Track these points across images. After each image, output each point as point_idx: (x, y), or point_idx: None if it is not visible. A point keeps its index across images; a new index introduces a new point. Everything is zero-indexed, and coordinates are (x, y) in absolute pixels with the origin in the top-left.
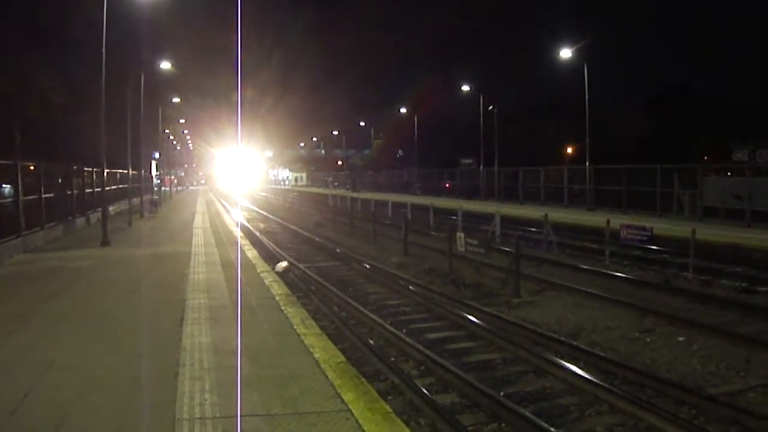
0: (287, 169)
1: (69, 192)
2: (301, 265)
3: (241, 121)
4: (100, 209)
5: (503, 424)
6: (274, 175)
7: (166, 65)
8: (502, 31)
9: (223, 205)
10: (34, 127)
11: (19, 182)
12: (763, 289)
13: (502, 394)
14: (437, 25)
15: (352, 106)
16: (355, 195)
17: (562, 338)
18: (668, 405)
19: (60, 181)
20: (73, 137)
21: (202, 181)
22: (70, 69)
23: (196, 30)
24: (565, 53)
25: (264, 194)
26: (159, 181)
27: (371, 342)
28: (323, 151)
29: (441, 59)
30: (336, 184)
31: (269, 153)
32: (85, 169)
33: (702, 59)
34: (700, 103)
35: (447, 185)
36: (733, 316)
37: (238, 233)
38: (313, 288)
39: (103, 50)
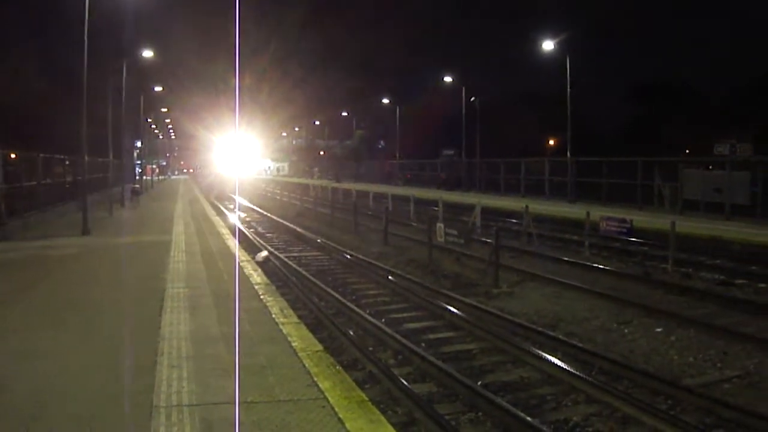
0: (269, 159)
1: (50, 180)
2: (281, 255)
3: (226, 112)
4: (80, 198)
5: (480, 414)
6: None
7: (148, 53)
8: (483, 22)
9: (205, 195)
10: (13, 114)
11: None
12: (740, 281)
13: (479, 383)
14: (419, 17)
15: (335, 96)
16: (337, 185)
17: (541, 329)
18: (644, 395)
19: (40, 169)
20: (54, 125)
21: (185, 171)
22: (53, 54)
23: (182, 17)
24: (548, 45)
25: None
26: (140, 170)
27: (350, 331)
28: (303, 141)
29: (423, 51)
30: (319, 174)
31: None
32: (66, 157)
33: (684, 53)
34: (682, 97)
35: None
36: (711, 308)
37: (218, 222)
38: (293, 278)
39: (85, 38)
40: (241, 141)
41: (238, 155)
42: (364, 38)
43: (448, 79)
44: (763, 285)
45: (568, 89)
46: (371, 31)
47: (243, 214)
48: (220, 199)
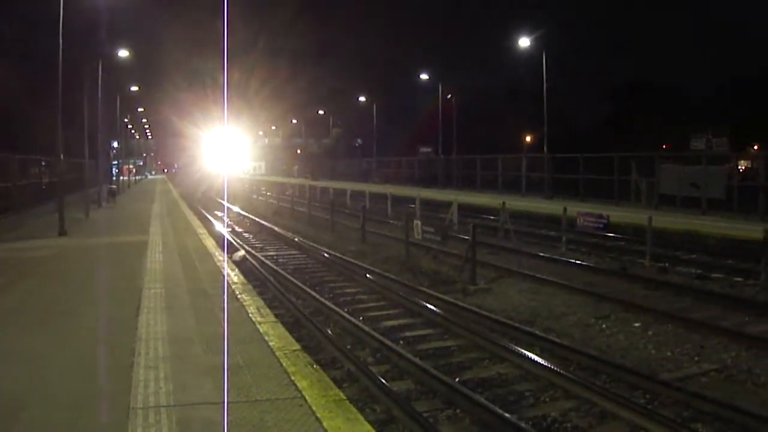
0: (246, 158)
1: (25, 182)
2: (258, 254)
3: (210, 109)
4: (57, 199)
5: (458, 411)
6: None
7: (124, 53)
8: (460, 19)
9: (182, 196)
10: None
11: None
12: (717, 275)
13: (457, 380)
14: (396, 14)
15: (314, 95)
16: (314, 183)
17: (518, 325)
18: (622, 390)
19: (16, 170)
20: (30, 126)
21: (164, 171)
22: (27, 54)
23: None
24: (524, 42)
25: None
26: (117, 171)
27: (327, 330)
28: (280, 140)
29: (400, 48)
30: (297, 173)
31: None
32: (42, 158)
33: (662, 51)
34: (658, 93)
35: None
36: (688, 302)
37: (195, 222)
38: (270, 277)
39: (60, 39)
40: (228, 139)
41: (225, 153)
42: (344, 38)
43: (424, 76)
44: (739, 279)
45: (544, 86)
46: (351, 31)
47: (221, 213)
48: (195, 196)
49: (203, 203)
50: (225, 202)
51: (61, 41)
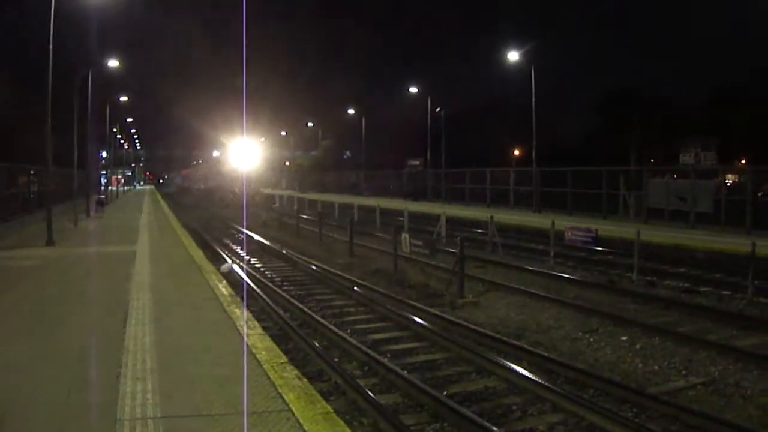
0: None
1: (14, 190)
2: (246, 266)
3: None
4: (45, 208)
5: (446, 424)
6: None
7: (114, 63)
8: (449, 34)
9: (170, 206)
10: None
11: None
12: (705, 289)
13: (445, 393)
14: (387, 28)
15: (302, 108)
16: (302, 195)
17: (506, 338)
18: (610, 404)
19: (4, 179)
20: (18, 134)
21: (160, 180)
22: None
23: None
24: (513, 56)
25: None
26: (106, 181)
27: (315, 342)
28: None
29: (389, 61)
30: (285, 184)
31: (216, 152)
32: (31, 167)
33: (649, 63)
34: (647, 107)
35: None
36: (676, 316)
37: (182, 233)
38: (258, 288)
39: (50, 45)
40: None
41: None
42: (336, 51)
43: (413, 89)
44: (726, 292)
45: (533, 100)
46: (344, 44)
47: (208, 225)
48: (184, 207)
49: (191, 213)
50: (214, 214)
51: (51, 50)
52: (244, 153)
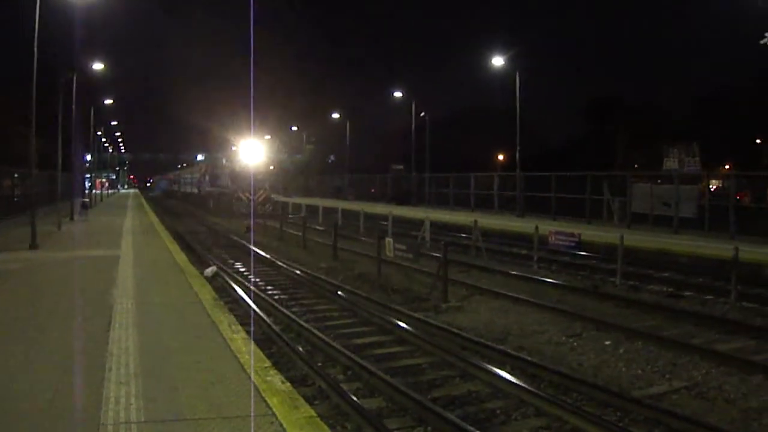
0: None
1: None
2: (229, 270)
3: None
4: (29, 212)
5: (429, 428)
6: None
7: (98, 66)
8: (435, 38)
9: (154, 210)
10: None
11: None
12: (688, 293)
13: (428, 398)
14: (371, 31)
15: (286, 112)
16: (286, 199)
17: (489, 343)
18: (593, 408)
19: None
20: (2, 138)
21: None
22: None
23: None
24: (498, 61)
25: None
26: (90, 184)
27: (298, 347)
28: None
29: (374, 66)
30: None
31: (200, 156)
32: (15, 170)
33: (633, 69)
34: (631, 112)
35: None
36: (659, 321)
37: (167, 237)
38: (242, 293)
39: (35, 48)
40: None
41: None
42: (320, 56)
43: (398, 94)
44: (710, 297)
45: (517, 105)
46: (328, 50)
47: (192, 229)
48: (167, 210)
49: (175, 217)
50: (199, 218)
51: (35, 53)
52: (255, 153)
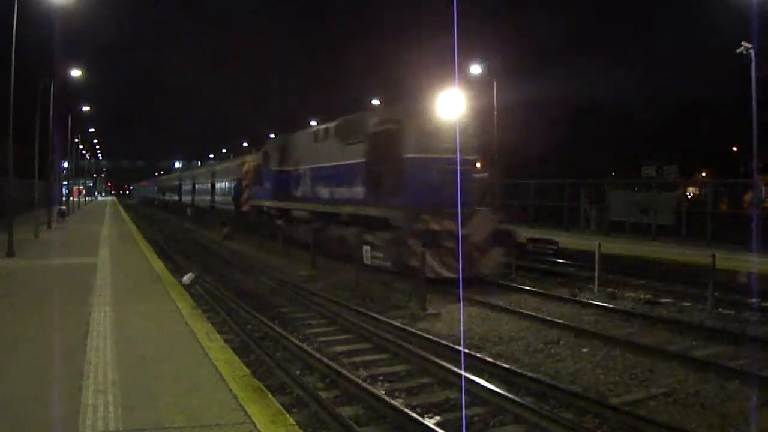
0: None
1: None
2: (208, 278)
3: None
4: (5, 219)
5: None
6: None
7: (76, 73)
8: (412, 45)
9: (131, 217)
10: None
11: None
12: (665, 300)
13: (407, 405)
14: (349, 40)
15: (264, 119)
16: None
17: (467, 350)
18: (571, 414)
19: None
20: None
21: (112, 192)
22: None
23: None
24: (475, 69)
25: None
26: (67, 191)
27: (277, 355)
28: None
29: (349, 72)
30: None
31: (178, 164)
32: None
33: (612, 78)
34: (610, 121)
35: None
36: (637, 327)
37: (144, 244)
38: (219, 301)
39: (12, 54)
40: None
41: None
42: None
43: (375, 102)
44: (687, 304)
45: (495, 113)
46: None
47: (170, 236)
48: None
49: (152, 225)
50: (177, 226)
51: (13, 60)
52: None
